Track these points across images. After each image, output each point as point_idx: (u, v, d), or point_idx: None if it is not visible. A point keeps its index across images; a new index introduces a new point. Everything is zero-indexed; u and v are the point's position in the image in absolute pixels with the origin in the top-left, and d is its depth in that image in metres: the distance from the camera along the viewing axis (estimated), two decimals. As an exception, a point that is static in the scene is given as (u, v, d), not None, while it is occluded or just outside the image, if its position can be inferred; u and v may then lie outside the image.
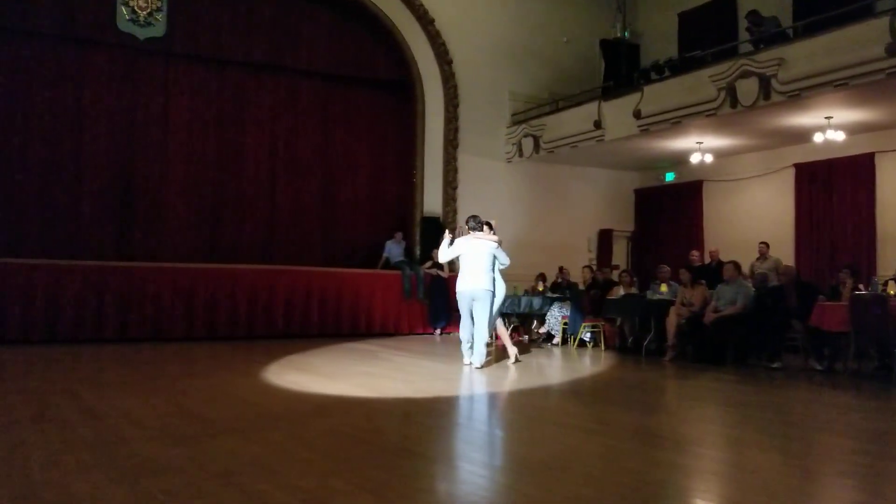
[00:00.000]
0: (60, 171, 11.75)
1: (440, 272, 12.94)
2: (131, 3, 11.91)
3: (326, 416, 5.56)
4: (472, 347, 8.20)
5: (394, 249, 13.24)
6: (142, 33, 12.01)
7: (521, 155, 14.51)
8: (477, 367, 8.02)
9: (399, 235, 13.44)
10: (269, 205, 13.28)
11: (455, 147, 14.23)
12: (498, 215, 14.18)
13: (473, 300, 8.14)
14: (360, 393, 6.57)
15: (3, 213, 11.31)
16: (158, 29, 12.12)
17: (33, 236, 11.43)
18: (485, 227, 8.55)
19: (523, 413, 5.96)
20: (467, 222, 8.57)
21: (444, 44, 14.05)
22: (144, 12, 11.99)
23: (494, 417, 5.88)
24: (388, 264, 13.10)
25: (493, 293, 8.27)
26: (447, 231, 8.69)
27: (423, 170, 14.05)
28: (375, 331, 12.34)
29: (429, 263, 13.04)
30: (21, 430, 4.55)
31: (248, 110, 13.19)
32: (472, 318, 8.20)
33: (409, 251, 13.56)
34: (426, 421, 5.62)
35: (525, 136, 14.35)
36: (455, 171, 14.20)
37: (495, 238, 8.56)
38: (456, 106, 14.22)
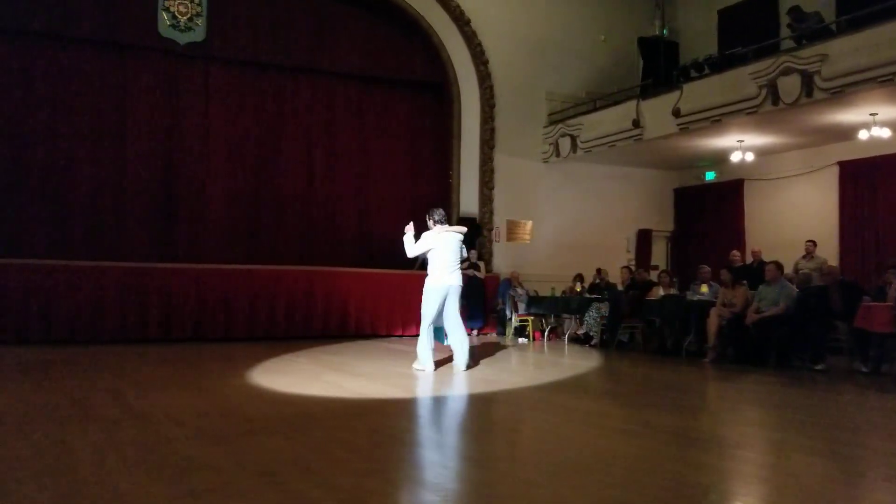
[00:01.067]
0: (105, 175, 12.00)
1: (476, 273, 12.94)
2: (172, 9, 12.12)
3: (364, 415, 5.60)
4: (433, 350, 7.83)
5: (430, 250, 13.24)
6: (182, 38, 12.21)
7: (558, 155, 14.44)
8: (465, 370, 7.77)
9: (436, 236, 13.42)
10: (307, 206, 13.41)
11: (491, 147, 14.21)
12: (535, 216, 14.44)
13: (447, 297, 7.83)
14: (398, 393, 6.60)
15: (50, 215, 11.58)
16: (198, 34, 12.31)
17: (79, 238, 11.68)
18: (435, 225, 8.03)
19: (561, 414, 5.93)
20: (432, 215, 8.09)
21: (479, 44, 14.05)
22: (185, 17, 12.19)
23: (532, 418, 5.86)
24: (424, 265, 13.07)
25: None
26: (410, 224, 8.16)
27: (460, 170, 14.06)
28: (412, 332, 12.36)
29: (465, 264, 13.02)
30: (67, 429, 4.65)
31: (286, 113, 13.33)
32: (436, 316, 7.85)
33: (445, 252, 13.55)
34: (463, 421, 5.62)
35: (562, 135, 14.27)
36: (491, 171, 14.19)
37: (462, 229, 8.24)
38: (492, 106, 14.20)
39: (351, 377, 7.55)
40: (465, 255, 8.12)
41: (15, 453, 4.00)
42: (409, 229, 8.07)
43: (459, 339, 7.86)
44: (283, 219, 13.20)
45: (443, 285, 7.82)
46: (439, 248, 7.88)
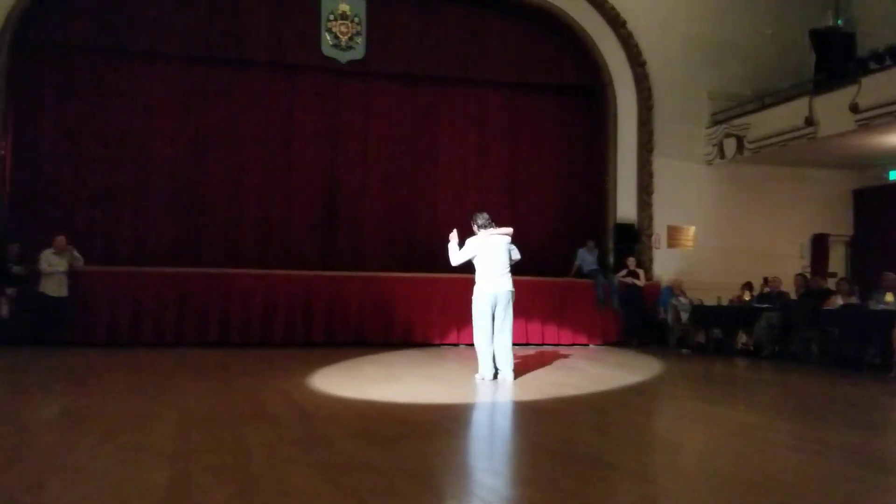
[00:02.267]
0: (273, 189, 12.77)
1: (635, 280, 12.59)
2: (334, 30, 12.76)
3: (517, 423, 5.58)
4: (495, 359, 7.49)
5: (586, 258, 13.02)
6: (343, 57, 12.81)
7: (722, 156, 13.80)
8: (513, 380, 7.42)
9: (591, 243, 13.19)
10: (461, 215, 13.55)
11: (649, 151, 13.78)
12: (698, 221, 13.86)
13: (497, 304, 7.46)
14: (551, 402, 6.53)
15: (223, 227, 12.49)
16: (358, 52, 12.86)
17: (251, 249, 12.51)
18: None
19: (725, 427, 5.64)
20: (475, 220, 7.79)
21: (636, 45, 13.68)
22: (346, 37, 12.79)
23: (694, 431, 5.61)
24: (580, 273, 12.93)
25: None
26: (454, 231, 7.85)
27: (616, 175, 13.72)
28: (566, 341, 12.22)
29: (623, 272, 12.73)
30: (242, 426, 4.97)
31: (440, 124, 13.59)
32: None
33: (601, 259, 13.30)
34: (619, 432, 5.48)
35: (727, 136, 13.63)
36: (650, 175, 13.75)
37: (509, 231, 7.79)
38: (650, 108, 13.78)
39: (499, 382, 7.49)
40: (515, 257, 7.78)
41: (197, 447, 4.31)
42: (454, 237, 7.82)
43: (504, 348, 7.53)
44: (438, 227, 13.40)
45: (491, 292, 7.50)
46: (484, 254, 7.61)
